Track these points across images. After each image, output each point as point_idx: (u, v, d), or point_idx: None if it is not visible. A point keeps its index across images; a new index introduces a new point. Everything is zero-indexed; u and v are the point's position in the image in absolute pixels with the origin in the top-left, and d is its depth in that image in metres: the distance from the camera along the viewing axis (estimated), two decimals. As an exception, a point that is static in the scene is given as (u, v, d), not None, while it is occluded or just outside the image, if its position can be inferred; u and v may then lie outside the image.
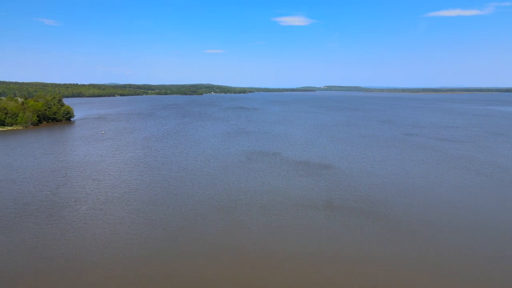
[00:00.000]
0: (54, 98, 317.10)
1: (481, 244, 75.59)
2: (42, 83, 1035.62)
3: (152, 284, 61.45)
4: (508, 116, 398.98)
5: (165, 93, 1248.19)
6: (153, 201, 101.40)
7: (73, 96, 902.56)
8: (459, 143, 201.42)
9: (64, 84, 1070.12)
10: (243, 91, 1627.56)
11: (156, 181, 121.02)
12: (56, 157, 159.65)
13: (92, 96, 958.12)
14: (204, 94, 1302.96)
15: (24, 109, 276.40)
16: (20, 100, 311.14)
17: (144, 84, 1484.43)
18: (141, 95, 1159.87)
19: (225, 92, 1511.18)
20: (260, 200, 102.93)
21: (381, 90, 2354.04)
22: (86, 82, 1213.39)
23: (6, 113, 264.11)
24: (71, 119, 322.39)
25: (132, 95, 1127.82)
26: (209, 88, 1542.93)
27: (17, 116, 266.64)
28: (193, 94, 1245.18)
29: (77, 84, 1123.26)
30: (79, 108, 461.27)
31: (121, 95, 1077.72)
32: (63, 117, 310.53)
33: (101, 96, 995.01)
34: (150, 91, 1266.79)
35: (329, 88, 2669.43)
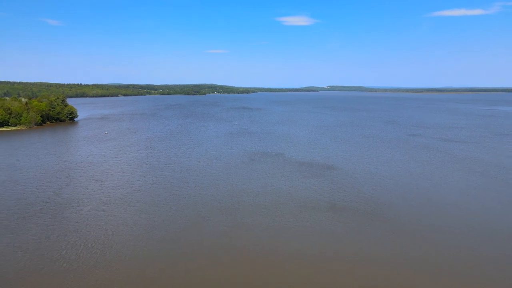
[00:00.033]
0: (57, 98, 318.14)
1: (486, 246, 74.70)
2: (46, 83, 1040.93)
3: (155, 285, 61.11)
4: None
5: (168, 93, 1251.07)
6: (155, 202, 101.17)
7: (76, 96, 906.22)
8: (463, 144, 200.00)
9: (68, 84, 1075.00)
10: (246, 91, 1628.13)
11: (159, 182, 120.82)
12: (59, 157, 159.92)
13: (96, 96, 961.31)
14: (207, 94, 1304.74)
15: (28, 109, 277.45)
16: (24, 100, 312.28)
17: (147, 84, 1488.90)
18: (144, 95, 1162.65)
19: (228, 92, 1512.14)
20: (263, 201, 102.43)
21: (385, 90, 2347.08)
22: (90, 82, 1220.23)
23: (10, 113, 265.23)
24: (75, 119, 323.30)
25: (136, 95, 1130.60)
26: (212, 88, 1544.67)
27: (21, 116, 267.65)
28: (196, 94, 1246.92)
29: (80, 84, 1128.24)
30: (83, 108, 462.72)
31: (124, 95, 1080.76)
32: (67, 117, 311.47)
33: (104, 96, 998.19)
34: (153, 91, 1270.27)
35: (332, 88, 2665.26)
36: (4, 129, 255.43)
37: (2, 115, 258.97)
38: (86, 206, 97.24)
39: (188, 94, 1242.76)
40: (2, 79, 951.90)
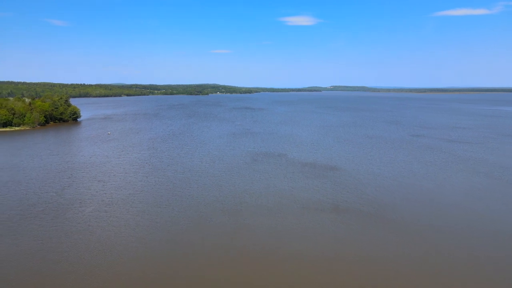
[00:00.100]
0: (61, 98, 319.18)
1: (488, 247, 73.92)
2: (50, 83, 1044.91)
3: (156, 287, 60.92)
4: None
5: (171, 93, 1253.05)
6: (158, 203, 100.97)
7: (80, 96, 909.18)
8: (467, 145, 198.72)
9: (72, 84, 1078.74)
10: (249, 91, 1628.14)
11: (161, 183, 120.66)
12: (62, 158, 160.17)
13: (99, 96, 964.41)
14: (210, 94, 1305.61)
15: (31, 109, 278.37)
16: (27, 100, 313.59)
17: (150, 84, 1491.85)
18: (147, 95, 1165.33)
19: (231, 92, 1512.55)
20: (266, 202, 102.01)
21: (388, 90, 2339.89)
22: (93, 82, 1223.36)
23: (14, 114, 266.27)
24: (78, 119, 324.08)
25: (139, 95, 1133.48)
26: (215, 88, 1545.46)
27: (24, 116, 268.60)
28: (199, 94, 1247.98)
29: (84, 84, 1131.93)
30: (86, 108, 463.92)
31: (127, 95, 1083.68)
32: (70, 117, 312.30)
33: (107, 96, 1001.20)
34: (156, 91, 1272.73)
35: (335, 88, 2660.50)
36: (7, 129, 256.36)
37: (5, 115, 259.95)
38: (88, 207, 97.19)
39: (191, 94, 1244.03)
40: (6, 79, 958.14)
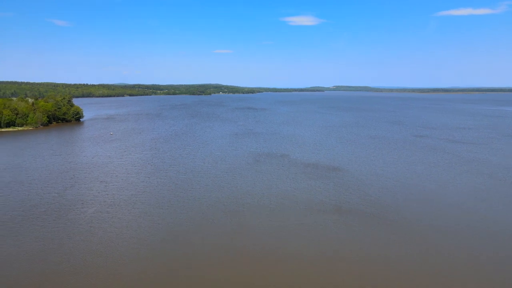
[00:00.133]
0: (64, 98, 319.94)
1: (490, 248, 73.23)
2: (53, 83, 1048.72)
3: (157, 287, 60.66)
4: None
5: (174, 93, 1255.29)
6: (160, 204, 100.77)
7: (83, 96, 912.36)
8: (471, 145, 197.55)
9: (75, 84, 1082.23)
10: (251, 91, 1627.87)
11: (163, 184, 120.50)
12: (65, 158, 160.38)
13: (102, 96, 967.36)
14: (212, 94, 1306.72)
15: (34, 109, 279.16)
16: (30, 100, 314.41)
17: (153, 84, 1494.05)
18: (150, 95, 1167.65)
19: (234, 92, 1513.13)
20: (268, 203, 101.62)
21: (391, 90, 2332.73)
22: (96, 82, 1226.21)
23: (17, 114, 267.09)
24: (81, 119, 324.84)
25: (141, 95, 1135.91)
26: (218, 88, 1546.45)
27: (27, 116, 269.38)
28: (202, 94, 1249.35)
29: (87, 84, 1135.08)
30: (89, 109, 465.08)
31: (130, 95, 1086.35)
32: (73, 117, 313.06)
33: (110, 96, 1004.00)
34: (158, 91, 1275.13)
35: (337, 88, 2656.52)
36: (10, 129, 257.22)
37: (8, 115, 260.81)
38: (90, 208, 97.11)
39: (193, 94, 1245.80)
40: (10, 79, 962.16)
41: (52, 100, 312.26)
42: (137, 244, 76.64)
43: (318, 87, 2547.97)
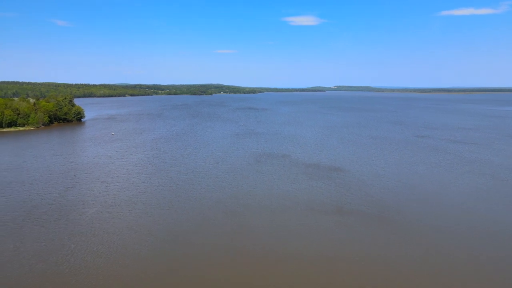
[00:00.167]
0: (65, 98, 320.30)
1: (490, 248, 72.91)
2: (54, 83, 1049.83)
3: (158, 287, 60.53)
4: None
5: (175, 93, 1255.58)
6: (160, 204, 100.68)
7: (84, 96, 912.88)
8: (473, 146, 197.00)
9: (76, 84, 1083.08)
10: (252, 91, 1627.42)
11: (164, 184, 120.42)
12: (66, 158, 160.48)
13: (103, 96, 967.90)
14: (213, 94, 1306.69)
15: (35, 109, 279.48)
16: (32, 100, 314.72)
17: (154, 84, 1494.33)
18: (151, 95, 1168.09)
19: (235, 92, 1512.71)
20: (269, 204, 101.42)
21: (392, 90, 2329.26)
22: (97, 82, 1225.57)
23: (18, 114, 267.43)
24: (82, 119, 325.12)
25: (143, 95, 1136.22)
26: (219, 88, 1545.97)
27: (28, 116, 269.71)
28: (203, 94, 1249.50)
29: (88, 84, 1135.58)
30: (90, 109, 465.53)
31: (131, 95, 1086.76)
32: (74, 117, 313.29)
33: (112, 96, 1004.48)
34: (160, 91, 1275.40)
35: (339, 88, 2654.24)
36: (12, 129, 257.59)
37: (10, 115, 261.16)
38: (91, 209, 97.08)
39: (194, 94, 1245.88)
40: (11, 79, 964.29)
41: (54, 100, 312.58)
42: (138, 244, 76.55)
43: (319, 87, 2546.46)
